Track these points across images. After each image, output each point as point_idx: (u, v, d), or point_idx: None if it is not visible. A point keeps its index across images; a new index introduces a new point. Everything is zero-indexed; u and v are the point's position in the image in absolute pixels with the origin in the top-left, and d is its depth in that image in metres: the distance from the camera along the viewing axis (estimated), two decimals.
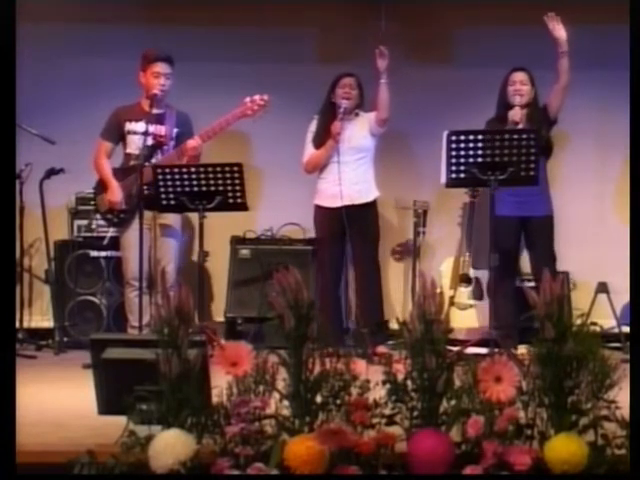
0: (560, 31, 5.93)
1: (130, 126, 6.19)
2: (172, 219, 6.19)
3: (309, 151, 6.43)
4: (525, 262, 6.35)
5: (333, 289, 6.39)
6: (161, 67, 6.10)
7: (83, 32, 6.95)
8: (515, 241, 6.11)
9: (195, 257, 6.34)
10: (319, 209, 6.42)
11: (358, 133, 6.37)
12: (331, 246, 6.36)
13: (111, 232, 6.53)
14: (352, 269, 6.45)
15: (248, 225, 6.85)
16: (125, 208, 6.14)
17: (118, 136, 6.25)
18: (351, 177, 6.30)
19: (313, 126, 6.45)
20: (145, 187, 5.91)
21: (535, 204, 6.00)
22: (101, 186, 6.27)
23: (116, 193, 6.14)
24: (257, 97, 6.12)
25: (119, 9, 6.96)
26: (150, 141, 6.10)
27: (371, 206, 6.38)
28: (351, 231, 6.27)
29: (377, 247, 6.47)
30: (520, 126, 5.94)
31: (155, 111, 6.15)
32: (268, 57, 6.97)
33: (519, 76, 6.09)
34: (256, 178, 6.74)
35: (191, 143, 6.04)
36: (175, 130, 6.21)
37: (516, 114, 5.96)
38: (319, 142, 6.37)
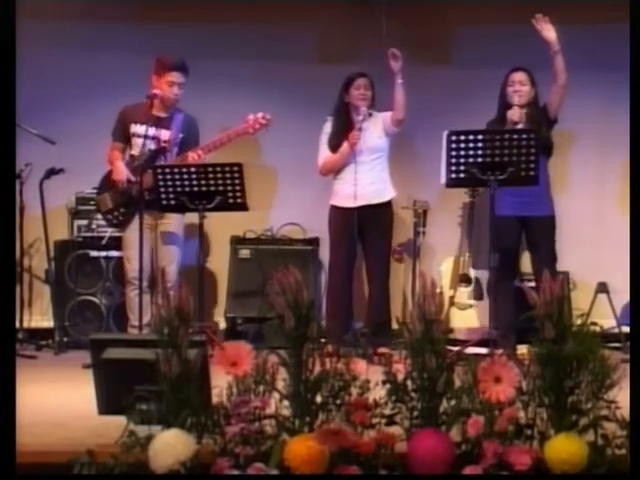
0: (549, 31, 5.90)
1: (135, 128, 6.17)
2: (174, 219, 6.18)
3: (324, 154, 6.38)
4: (525, 262, 6.35)
5: (344, 289, 6.36)
6: (176, 77, 6.08)
7: (84, 31, 6.96)
8: (515, 241, 6.09)
9: (195, 257, 6.33)
10: (335, 209, 6.37)
11: (373, 134, 6.32)
12: (345, 246, 6.30)
13: (110, 232, 6.54)
14: (365, 268, 6.46)
15: (248, 225, 6.86)
16: (124, 211, 6.14)
17: (125, 137, 6.24)
18: (367, 177, 6.28)
19: (328, 127, 6.39)
20: (146, 192, 5.91)
21: (536, 204, 5.97)
22: (103, 186, 6.27)
23: (120, 171, 6.12)
24: (260, 115, 6.07)
25: (120, 8, 6.96)
26: (152, 145, 6.10)
27: (387, 206, 6.37)
28: (366, 231, 6.26)
29: (390, 247, 6.48)
30: (519, 125, 5.94)
31: (162, 114, 6.14)
32: (268, 56, 6.97)
33: (518, 76, 6.07)
34: (259, 178, 6.72)
35: (192, 158, 6.01)
36: (180, 135, 6.18)
37: (514, 113, 5.96)
38: (334, 144, 6.33)
